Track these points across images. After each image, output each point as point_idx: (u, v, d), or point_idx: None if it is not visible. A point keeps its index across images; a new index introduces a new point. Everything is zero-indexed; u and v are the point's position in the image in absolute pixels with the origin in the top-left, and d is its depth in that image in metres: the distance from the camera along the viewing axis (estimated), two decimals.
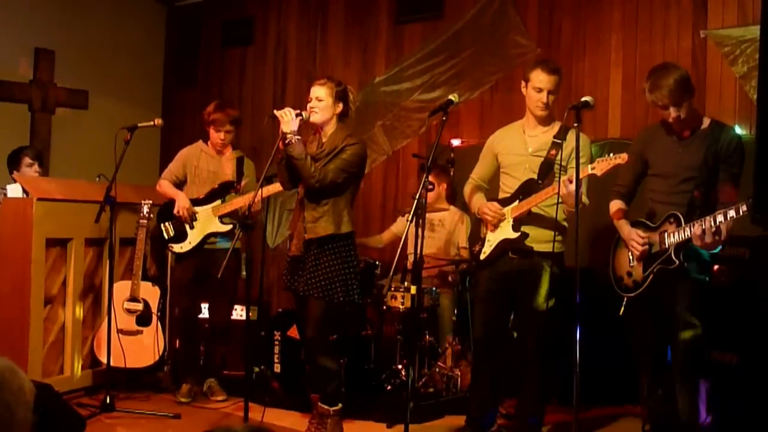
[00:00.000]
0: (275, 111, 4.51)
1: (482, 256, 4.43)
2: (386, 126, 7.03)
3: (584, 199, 4.14)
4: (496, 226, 4.36)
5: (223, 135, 5.46)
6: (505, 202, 4.36)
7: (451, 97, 4.12)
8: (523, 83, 4.35)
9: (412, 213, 3.90)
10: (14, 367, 2.10)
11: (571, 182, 3.89)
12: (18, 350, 4.92)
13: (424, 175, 3.99)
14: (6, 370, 2.06)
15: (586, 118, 4.27)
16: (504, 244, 4.32)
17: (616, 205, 4.20)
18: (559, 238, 4.29)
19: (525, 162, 4.32)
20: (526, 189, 4.27)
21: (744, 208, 3.51)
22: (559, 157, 4.22)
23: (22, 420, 2.03)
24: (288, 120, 4.44)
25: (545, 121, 4.36)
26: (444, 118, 4.06)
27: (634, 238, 3.97)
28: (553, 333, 4.22)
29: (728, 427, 4.30)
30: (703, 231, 3.64)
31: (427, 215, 5.47)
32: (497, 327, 4.43)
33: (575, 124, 3.76)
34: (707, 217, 3.65)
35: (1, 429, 2.00)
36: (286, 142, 4.45)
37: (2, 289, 5.12)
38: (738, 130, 5.19)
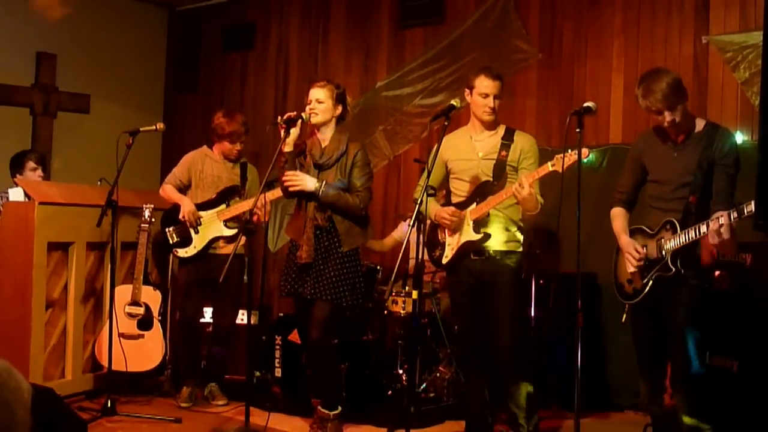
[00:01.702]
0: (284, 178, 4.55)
1: (444, 260, 4.44)
2: (388, 131, 7.03)
3: (539, 198, 4.18)
4: (454, 230, 4.37)
5: (239, 146, 5.49)
6: (461, 206, 4.37)
7: (453, 102, 4.12)
8: (467, 91, 4.37)
9: (413, 218, 3.90)
10: (11, 368, 2.11)
11: (522, 187, 3.98)
12: (19, 354, 4.93)
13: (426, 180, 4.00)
14: (3, 371, 2.07)
15: (588, 124, 4.26)
16: (466, 246, 4.33)
17: (615, 212, 4.17)
18: (519, 237, 4.34)
19: (477, 166, 4.35)
20: (482, 191, 4.30)
21: (735, 214, 3.49)
22: (509, 158, 4.29)
23: (22, 420, 2.04)
24: (305, 183, 4.52)
25: (491, 126, 4.40)
26: (446, 123, 4.07)
27: (631, 251, 3.93)
28: (524, 331, 4.22)
29: None
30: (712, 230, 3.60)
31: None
32: (479, 332, 4.39)
33: (577, 130, 3.74)
34: (701, 224, 3.64)
35: (1, 428, 2.00)
36: (321, 197, 4.52)
37: (4, 293, 5.13)
38: (740, 136, 5.18)
